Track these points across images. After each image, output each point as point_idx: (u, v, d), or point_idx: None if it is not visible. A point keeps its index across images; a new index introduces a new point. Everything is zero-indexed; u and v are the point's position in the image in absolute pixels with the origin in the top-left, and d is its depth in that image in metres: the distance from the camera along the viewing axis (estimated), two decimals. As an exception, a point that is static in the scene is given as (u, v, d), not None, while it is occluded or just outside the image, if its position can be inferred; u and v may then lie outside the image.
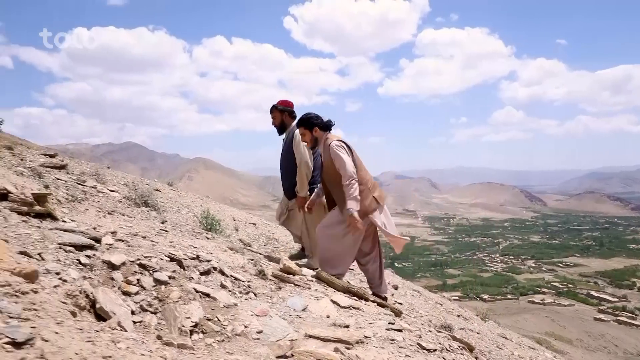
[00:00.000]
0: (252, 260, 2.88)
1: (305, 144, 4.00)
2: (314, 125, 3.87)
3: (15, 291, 1.26)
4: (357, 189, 3.56)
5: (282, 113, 4.50)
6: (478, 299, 56.94)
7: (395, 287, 7.22)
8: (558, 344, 19.83)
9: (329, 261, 3.79)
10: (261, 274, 2.65)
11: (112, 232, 2.43)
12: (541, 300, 55.77)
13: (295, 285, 2.72)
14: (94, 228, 2.43)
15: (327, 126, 3.92)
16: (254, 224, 8.40)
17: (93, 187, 4.69)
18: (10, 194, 2.20)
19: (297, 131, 4.10)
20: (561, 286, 67.42)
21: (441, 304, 7.80)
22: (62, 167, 5.18)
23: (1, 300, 1.20)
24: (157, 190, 7.65)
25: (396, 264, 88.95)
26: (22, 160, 4.78)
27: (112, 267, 1.90)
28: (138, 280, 1.91)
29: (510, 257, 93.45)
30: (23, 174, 2.57)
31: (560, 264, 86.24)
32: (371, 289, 4.04)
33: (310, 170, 4.24)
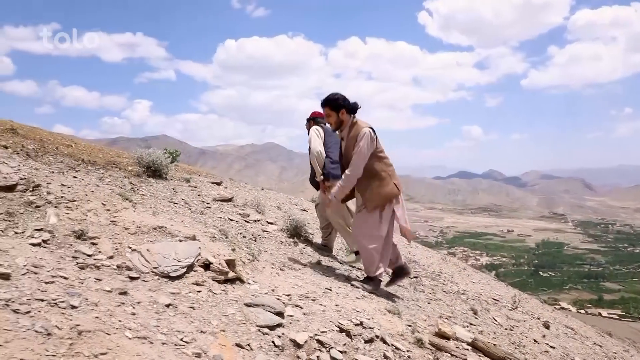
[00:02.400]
0: (409, 326, 3.03)
1: (330, 125, 3.97)
2: (342, 107, 3.80)
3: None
4: (352, 183, 3.66)
5: (309, 121, 5.01)
6: (643, 319, 49.61)
7: (547, 326, 6.73)
8: None
9: (375, 261, 3.82)
10: (419, 342, 2.78)
11: (287, 295, 2.79)
12: None
13: (452, 355, 2.80)
14: (272, 290, 2.81)
15: (354, 109, 3.85)
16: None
17: (256, 221, 5.30)
18: (211, 264, 2.67)
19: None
20: None
21: (601, 346, 7.06)
22: (229, 199, 5.92)
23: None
24: (304, 210, 8.24)
25: (541, 273, 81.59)
26: (199, 195, 5.58)
27: (297, 345, 2.21)
28: (318, 357, 2.19)
29: (688, 273, 79.44)
30: (215, 238, 3.08)
31: None
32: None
33: (320, 157, 4.50)
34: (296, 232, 5.29)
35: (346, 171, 3.67)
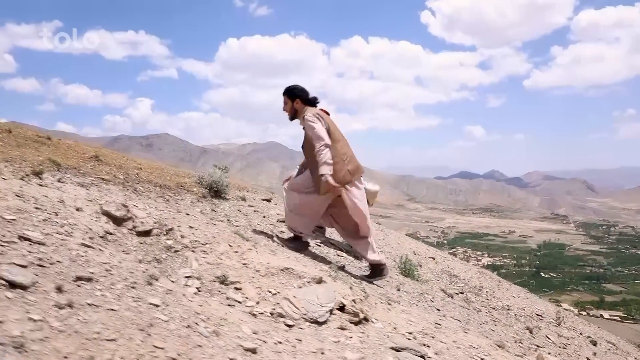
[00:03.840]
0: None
1: (285, 112, 4.05)
2: (297, 96, 3.90)
3: None
4: (329, 154, 3.60)
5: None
6: (644, 321, 49.88)
7: (594, 343, 6.88)
8: None
9: (293, 219, 4.10)
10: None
11: (409, 333, 2.95)
12: None
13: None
14: (394, 328, 2.97)
15: (309, 101, 3.92)
16: (433, 258, 8.60)
17: (330, 245, 5.52)
18: (345, 306, 2.83)
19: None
20: None
21: (647, 361, 7.19)
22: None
23: None
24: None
25: (542, 274, 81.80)
26: (263, 217, 5.73)
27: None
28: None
29: (691, 275, 79.66)
30: (331, 276, 3.22)
31: None
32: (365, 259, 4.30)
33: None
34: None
35: (315, 149, 3.64)
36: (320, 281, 2.98)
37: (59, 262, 1.95)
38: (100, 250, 2.35)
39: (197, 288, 2.59)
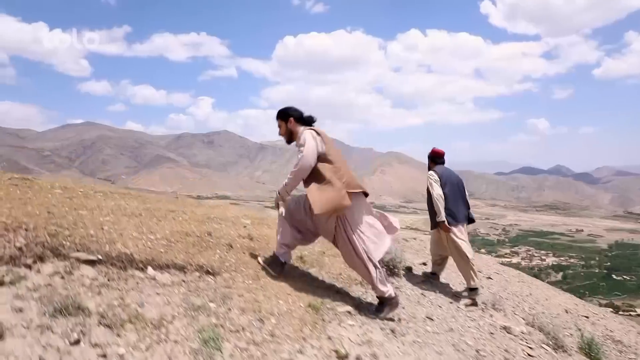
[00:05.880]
0: None
1: (281, 136, 3.67)
2: (289, 116, 3.57)
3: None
4: (297, 181, 3.38)
5: (429, 159, 5.24)
6: None
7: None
8: None
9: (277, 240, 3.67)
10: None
11: None
12: None
13: None
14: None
15: (303, 120, 3.61)
16: (587, 317, 6.66)
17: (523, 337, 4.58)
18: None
19: None
20: None
21: None
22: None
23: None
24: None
25: (614, 276, 77.07)
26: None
27: None
28: None
29: None
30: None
31: None
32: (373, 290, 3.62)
33: (441, 200, 4.74)
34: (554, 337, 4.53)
35: (294, 167, 3.40)
36: None
37: None
38: None
39: None
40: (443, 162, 5.20)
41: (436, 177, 4.95)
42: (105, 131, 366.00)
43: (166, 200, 5.88)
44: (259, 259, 3.76)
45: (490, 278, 6.71)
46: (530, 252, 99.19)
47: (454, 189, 4.98)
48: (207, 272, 3.12)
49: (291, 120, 3.58)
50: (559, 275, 77.12)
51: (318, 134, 3.46)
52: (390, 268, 4.93)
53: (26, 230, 2.55)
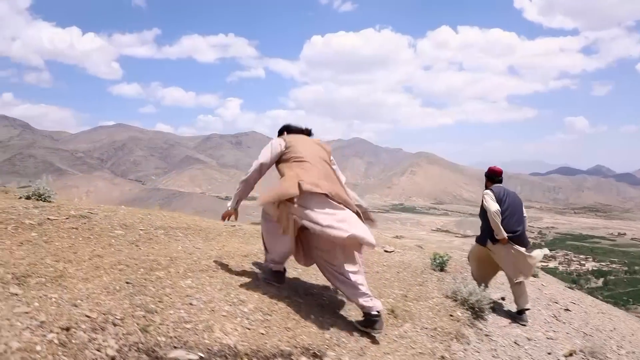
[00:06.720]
0: None
1: None
2: (282, 132, 3.74)
3: None
4: (245, 191, 3.37)
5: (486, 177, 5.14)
6: None
7: None
8: None
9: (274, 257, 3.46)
10: None
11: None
12: None
13: None
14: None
15: (291, 130, 3.69)
16: None
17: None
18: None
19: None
20: None
21: None
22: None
23: None
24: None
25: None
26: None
27: None
28: None
29: None
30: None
31: None
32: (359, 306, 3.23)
33: (498, 216, 4.64)
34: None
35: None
36: None
37: None
38: None
39: None
40: (500, 181, 5.08)
41: (491, 194, 4.83)
42: (136, 133, 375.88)
43: (226, 233, 5.33)
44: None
45: (568, 310, 5.95)
46: (568, 257, 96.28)
47: (512, 209, 4.82)
48: (314, 356, 2.59)
49: (285, 133, 3.68)
50: (600, 282, 74.66)
51: (284, 139, 3.48)
52: (475, 311, 4.38)
53: (114, 324, 2.06)
